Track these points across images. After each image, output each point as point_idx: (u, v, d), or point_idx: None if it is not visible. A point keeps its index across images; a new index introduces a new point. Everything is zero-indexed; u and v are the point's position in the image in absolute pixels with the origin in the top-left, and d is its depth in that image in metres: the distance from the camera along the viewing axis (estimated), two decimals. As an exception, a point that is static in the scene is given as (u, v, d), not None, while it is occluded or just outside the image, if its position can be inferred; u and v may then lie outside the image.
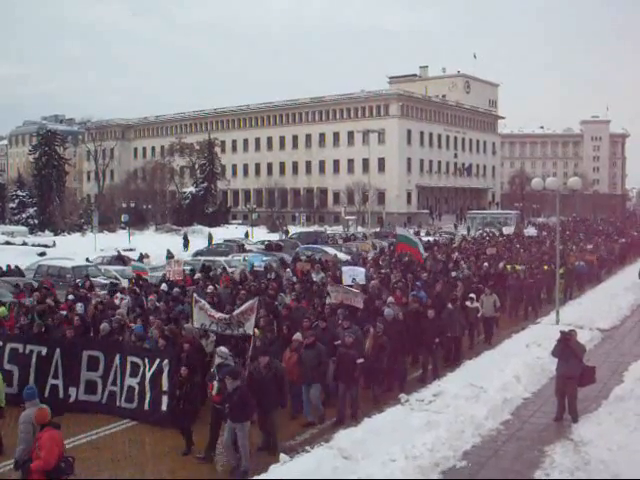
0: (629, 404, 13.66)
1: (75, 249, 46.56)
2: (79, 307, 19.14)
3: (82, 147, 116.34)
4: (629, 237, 51.49)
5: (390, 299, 18.43)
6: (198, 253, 45.41)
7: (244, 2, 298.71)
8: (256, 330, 14.31)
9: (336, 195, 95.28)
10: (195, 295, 15.86)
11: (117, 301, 20.34)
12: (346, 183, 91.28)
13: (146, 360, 13.79)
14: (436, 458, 11.27)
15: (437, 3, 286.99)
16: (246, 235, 63.24)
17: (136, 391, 13.74)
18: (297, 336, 13.99)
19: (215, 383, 11.70)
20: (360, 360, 13.67)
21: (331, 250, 43.45)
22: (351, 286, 20.38)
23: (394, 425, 12.50)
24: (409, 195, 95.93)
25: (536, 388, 15.54)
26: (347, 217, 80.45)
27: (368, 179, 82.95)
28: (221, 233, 65.87)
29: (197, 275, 25.83)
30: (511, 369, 16.16)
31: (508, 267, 28.51)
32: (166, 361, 13.25)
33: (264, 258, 34.94)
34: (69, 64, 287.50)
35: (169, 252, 41.57)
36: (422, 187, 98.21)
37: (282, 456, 11.11)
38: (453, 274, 26.45)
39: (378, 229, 72.92)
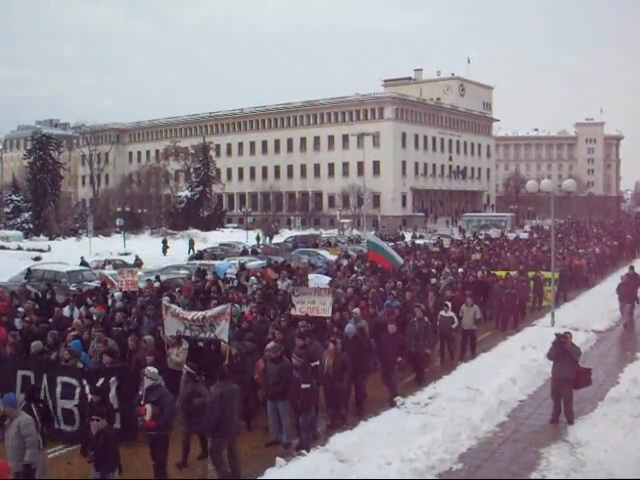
0: (624, 405, 13.69)
1: (70, 253, 46.46)
2: (17, 323, 17.47)
3: (77, 151, 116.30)
4: (621, 240, 50.33)
5: (356, 310, 16.69)
6: (194, 257, 45.37)
7: (238, 4, 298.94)
8: (223, 344, 13.82)
9: (331, 198, 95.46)
10: (164, 302, 15.19)
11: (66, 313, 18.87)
12: (341, 186, 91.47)
13: (84, 381, 12.38)
14: (432, 461, 11.27)
15: (430, 6, 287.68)
16: (257, 239, 63.15)
17: (75, 413, 12.44)
18: (271, 345, 13.17)
19: (148, 407, 10.60)
20: (305, 385, 12.10)
21: (325, 253, 43.57)
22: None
23: (390, 428, 12.50)
24: (404, 198, 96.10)
25: (532, 390, 15.54)
26: (342, 220, 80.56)
27: (363, 182, 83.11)
28: (217, 237, 65.85)
29: (156, 284, 24.37)
30: (507, 371, 16.18)
31: (495, 273, 26.87)
32: (113, 379, 11.92)
33: (233, 265, 34.18)
34: (63, 67, 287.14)
35: (137, 258, 40.35)
36: (417, 190, 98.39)
37: (278, 460, 11.09)
38: (433, 281, 24.63)
39: (373, 232, 72.95)
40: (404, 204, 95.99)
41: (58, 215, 78.30)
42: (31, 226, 78.37)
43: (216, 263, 37.71)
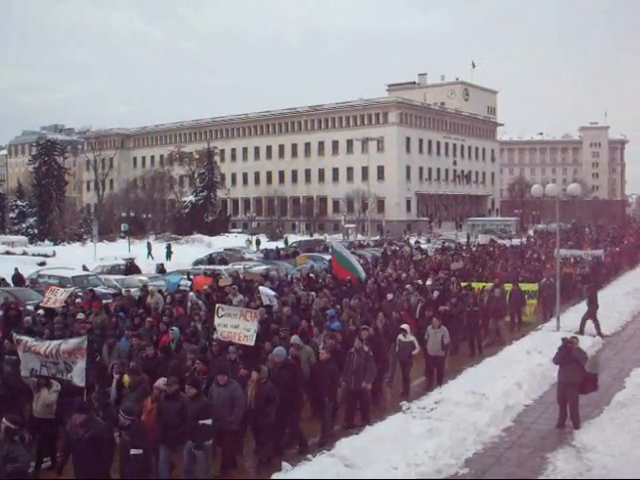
0: (631, 410, 13.66)
1: (75, 258, 46.50)
2: None
3: (82, 157, 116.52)
4: (622, 245, 48.42)
5: (295, 338, 14.22)
6: (199, 262, 45.31)
7: (244, 12, 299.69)
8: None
9: (336, 203, 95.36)
10: (14, 334, 12.91)
11: None
12: (345, 191, 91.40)
13: None
14: (438, 465, 11.25)
15: (434, 11, 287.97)
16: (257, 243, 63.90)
17: None
18: (159, 383, 10.92)
19: None
20: (136, 451, 9.51)
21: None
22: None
23: (396, 433, 12.47)
24: (408, 203, 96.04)
25: (537, 395, 15.51)
26: (347, 225, 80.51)
27: (367, 187, 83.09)
28: (221, 242, 65.94)
29: (77, 300, 21.52)
30: (512, 376, 16.15)
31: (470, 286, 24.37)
32: None
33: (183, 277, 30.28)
34: (68, 73, 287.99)
35: (84, 268, 37.55)
36: (421, 194, 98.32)
37: (284, 464, 11.08)
38: (389, 297, 21.43)
39: (378, 237, 72.93)
40: (409, 209, 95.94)
41: (63, 220, 78.41)
42: (36, 231, 78.43)
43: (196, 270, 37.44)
